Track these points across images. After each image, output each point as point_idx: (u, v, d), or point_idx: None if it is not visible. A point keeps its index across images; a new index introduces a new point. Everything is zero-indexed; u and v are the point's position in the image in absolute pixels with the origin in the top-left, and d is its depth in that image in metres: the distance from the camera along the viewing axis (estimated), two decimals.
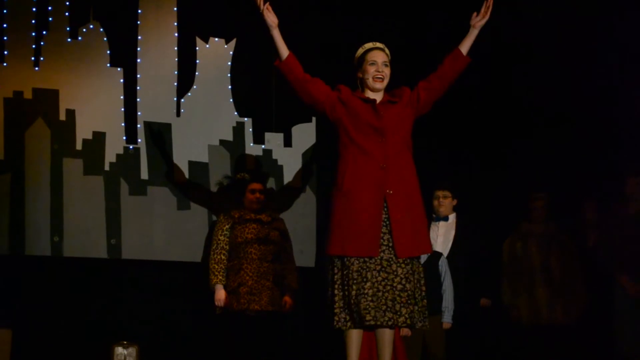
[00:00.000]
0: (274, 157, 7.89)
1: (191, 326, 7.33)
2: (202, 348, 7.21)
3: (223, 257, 6.71)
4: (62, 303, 7.08)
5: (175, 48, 7.75)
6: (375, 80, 4.93)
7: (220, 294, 6.64)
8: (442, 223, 6.96)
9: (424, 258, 6.43)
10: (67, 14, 7.52)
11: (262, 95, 7.86)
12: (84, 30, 7.56)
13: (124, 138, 7.52)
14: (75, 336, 7.00)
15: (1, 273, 7.01)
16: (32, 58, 7.39)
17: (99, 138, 7.45)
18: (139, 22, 7.70)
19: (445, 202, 6.99)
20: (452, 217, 7.01)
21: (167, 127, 7.65)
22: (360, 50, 5.02)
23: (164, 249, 7.49)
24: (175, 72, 7.73)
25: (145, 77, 7.65)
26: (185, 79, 7.76)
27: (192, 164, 7.65)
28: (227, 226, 6.78)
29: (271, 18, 4.86)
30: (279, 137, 7.93)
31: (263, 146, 7.87)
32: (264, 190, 6.90)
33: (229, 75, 7.85)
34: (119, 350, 5.36)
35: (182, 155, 7.64)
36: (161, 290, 7.35)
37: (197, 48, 7.83)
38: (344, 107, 4.93)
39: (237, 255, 6.70)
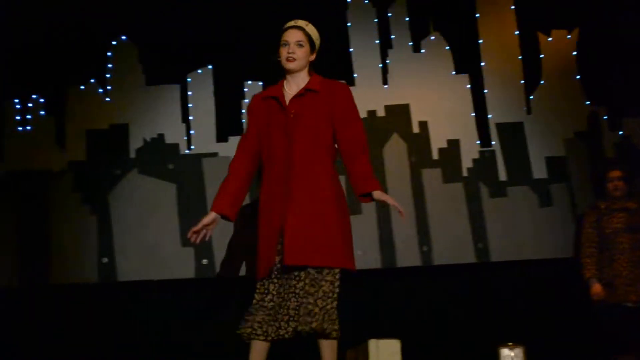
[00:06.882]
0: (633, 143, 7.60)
1: (570, 322, 7.10)
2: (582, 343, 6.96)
3: (594, 250, 6.57)
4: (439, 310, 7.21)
5: (518, 46, 7.69)
6: (287, 61, 4.50)
7: (596, 288, 6.49)
8: None
9: None
10: (407, 29, 7.71)
11: (614, 81, 7.60)
12: (426, 42, 7.71)
13: (478, 142, 7.55)
14: (459, 340, 7.10)
15: (373, 286, 7.23)
16: (380, 77, 7.63)
17: (453, 145, 7.54)
18: (478, 26, 7.73)
19: None
20: None
21: (519, 126, 7.60)
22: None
23: (531, 248, 7.40)
24: (521, 70, 7.67)
25: (491, 79, 7.66)
26: (532, 75, 7.69)
27: (549, 160, 7.53)
28: (593, 218, 6.65)
29: (210, 222, 4.52)
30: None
31: (620, 132, 7.59)
32: (622, 177, 6.67)
33: (576, 65, 7.67)
34: (506, 352, 5.33)
35: (538, 152, 7.54)
36: (535, 288, 7.25)
37: (539, 42, 7.72)
38: (255, 118, 4.54)
39: (608, 247, 6.54)
